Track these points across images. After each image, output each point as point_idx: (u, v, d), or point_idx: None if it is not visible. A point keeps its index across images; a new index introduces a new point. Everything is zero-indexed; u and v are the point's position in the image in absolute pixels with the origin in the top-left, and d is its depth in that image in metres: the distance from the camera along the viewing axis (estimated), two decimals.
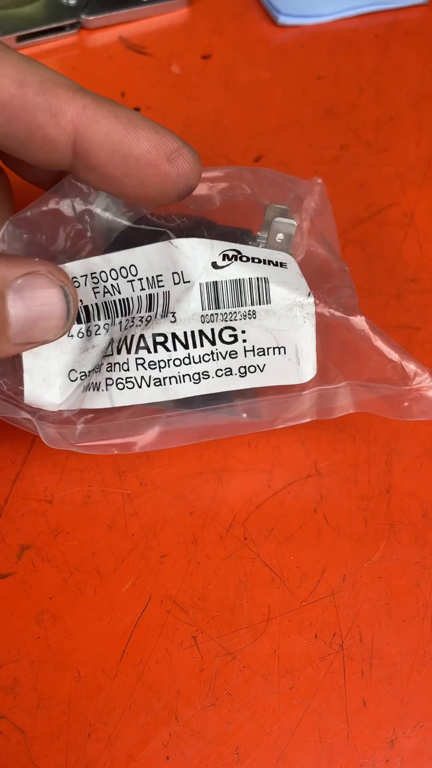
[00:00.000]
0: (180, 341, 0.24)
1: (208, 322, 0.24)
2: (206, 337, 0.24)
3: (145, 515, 0.27)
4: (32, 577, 0.26)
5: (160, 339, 0.24)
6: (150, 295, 0.24)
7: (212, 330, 0.24)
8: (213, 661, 0.25)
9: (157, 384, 0.25)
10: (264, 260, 0.24)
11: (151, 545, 0.27)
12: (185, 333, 0.24)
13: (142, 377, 0.25)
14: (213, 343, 0.24)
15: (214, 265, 0.23)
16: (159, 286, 0.24)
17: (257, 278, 0.24)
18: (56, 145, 0.22)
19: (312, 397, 0.26)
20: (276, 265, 0.24)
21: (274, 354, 0.24)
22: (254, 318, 0.24)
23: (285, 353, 0.25)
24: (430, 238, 0.35)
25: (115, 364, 0.25)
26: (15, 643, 0.25)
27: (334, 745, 0.24)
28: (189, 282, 0.24)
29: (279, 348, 0.24)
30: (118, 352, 0.25)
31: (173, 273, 0.24)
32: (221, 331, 0.24)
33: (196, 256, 0.23)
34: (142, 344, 0.24)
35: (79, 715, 0.24)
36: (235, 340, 0.24)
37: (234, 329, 0.24)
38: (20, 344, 0.22)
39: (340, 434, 0.29)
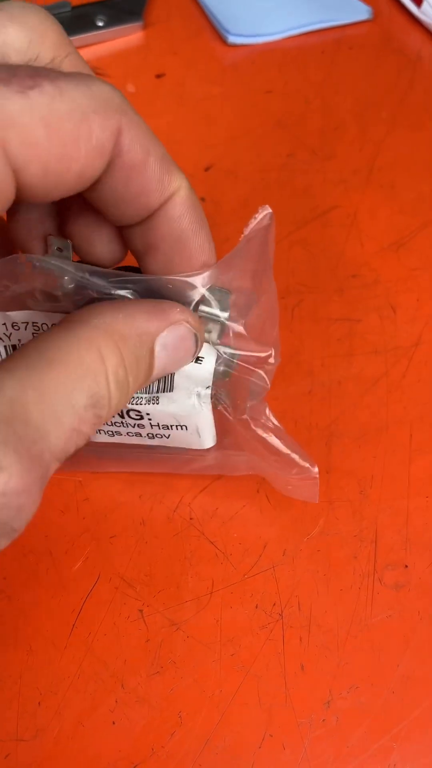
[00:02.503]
0: None
1: None
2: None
3: (96, 500, 0.29)
4: None
5: None
6: None
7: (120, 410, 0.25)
8: (158, 632, 0.26)
9: None
10: None
11: (102, 527, 0.28)
12: None
13: None
14: (122, 416, 0.26)
15: None
16: None
17: None
18: (148, 209, 0.23)
19: (214, 457, 0.28)
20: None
21: (177, 430, 0.26)
22: (157, 404, 0.25)
23: (187, 429, 0.26)
24: (371, 237, 0.37)
25: None
26: None
27: (273, 707, 0.25)
28: None
29: (181, 426, 0.26)
30: None
31: None
32: (128, 411, 0.26)
33: None
34: None
35: (30, 685, 0.25)
36: (141, 418, 0.26)
37: (139, 412, 0.25)
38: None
39: (281, 420, 0.31)
